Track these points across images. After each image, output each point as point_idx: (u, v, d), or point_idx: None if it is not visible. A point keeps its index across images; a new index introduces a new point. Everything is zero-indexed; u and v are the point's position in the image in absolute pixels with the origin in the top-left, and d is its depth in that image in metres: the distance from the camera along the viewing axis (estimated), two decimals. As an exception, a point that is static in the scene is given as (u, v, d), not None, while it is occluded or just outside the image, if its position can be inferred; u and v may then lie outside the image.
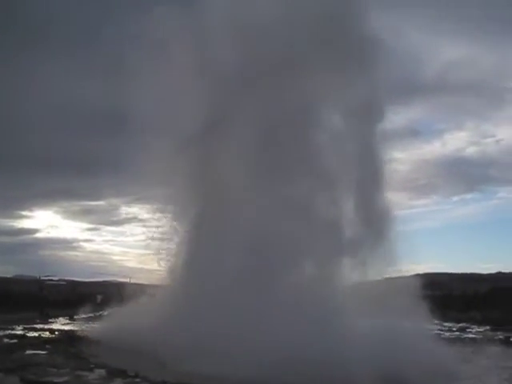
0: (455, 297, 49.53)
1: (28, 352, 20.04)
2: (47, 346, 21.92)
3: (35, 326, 32.49)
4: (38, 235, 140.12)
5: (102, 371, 16.04)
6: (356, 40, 22.17)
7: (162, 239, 26.94)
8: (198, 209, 24.97)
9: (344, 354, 16.08)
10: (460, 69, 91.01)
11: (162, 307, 24.34)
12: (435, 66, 79.46)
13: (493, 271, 75.57)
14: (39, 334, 26.76)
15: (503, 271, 72.17)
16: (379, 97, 22.78)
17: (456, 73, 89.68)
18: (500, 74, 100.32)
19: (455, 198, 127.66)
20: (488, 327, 34.82)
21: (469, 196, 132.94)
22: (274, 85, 22.15)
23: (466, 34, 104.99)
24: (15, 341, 23.84)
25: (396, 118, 33.04)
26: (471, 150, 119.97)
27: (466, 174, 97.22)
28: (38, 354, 19.64)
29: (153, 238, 27.39)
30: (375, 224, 21.81)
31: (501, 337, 30.01)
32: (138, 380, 14.87)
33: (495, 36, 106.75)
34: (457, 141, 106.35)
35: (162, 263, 26.90)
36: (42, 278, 61.41)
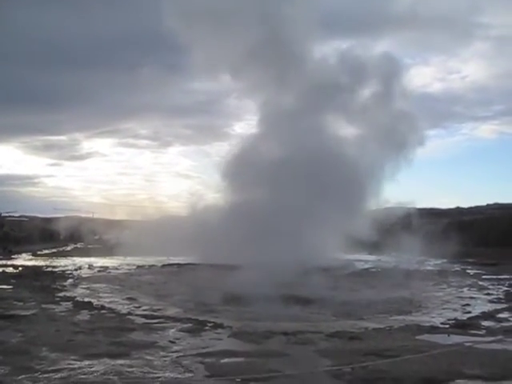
0: (414, 231, 50.68)
1: (-7, 286, 19.97)
2: (12, 281, 21.84)
3: (-2, 261, 32.28)
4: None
5: (69, 304, 16.15)
6: None
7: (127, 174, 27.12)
8: None
9: None
10: (430, 1, 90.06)
11: None
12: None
13: (452, 206, 77.17)
14: (3, 270, 26.57)
15: (462, 206, 73.78)
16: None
17: (426, 6, 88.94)
18: (471, 8, 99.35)
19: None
20: (446, 260, 36.02)
21: (432, 132, 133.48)
22: None
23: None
24: (-21, 276, 23.69)
25: (363, 51, 33.02)
26: (436, 86, 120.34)
27: (431, 110, 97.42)
28: (4, 288, 19.56)
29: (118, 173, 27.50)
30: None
31: (458, 269, 31.16)
32: (103, 312, 15.01)
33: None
34: (422, 76, 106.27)
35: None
36: (3, 214, 60.41)
